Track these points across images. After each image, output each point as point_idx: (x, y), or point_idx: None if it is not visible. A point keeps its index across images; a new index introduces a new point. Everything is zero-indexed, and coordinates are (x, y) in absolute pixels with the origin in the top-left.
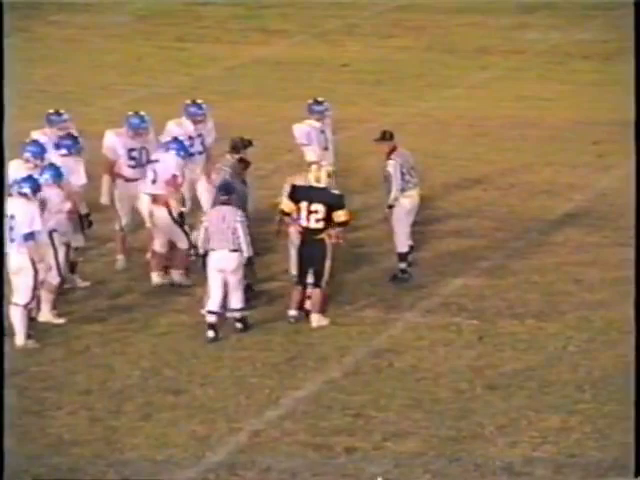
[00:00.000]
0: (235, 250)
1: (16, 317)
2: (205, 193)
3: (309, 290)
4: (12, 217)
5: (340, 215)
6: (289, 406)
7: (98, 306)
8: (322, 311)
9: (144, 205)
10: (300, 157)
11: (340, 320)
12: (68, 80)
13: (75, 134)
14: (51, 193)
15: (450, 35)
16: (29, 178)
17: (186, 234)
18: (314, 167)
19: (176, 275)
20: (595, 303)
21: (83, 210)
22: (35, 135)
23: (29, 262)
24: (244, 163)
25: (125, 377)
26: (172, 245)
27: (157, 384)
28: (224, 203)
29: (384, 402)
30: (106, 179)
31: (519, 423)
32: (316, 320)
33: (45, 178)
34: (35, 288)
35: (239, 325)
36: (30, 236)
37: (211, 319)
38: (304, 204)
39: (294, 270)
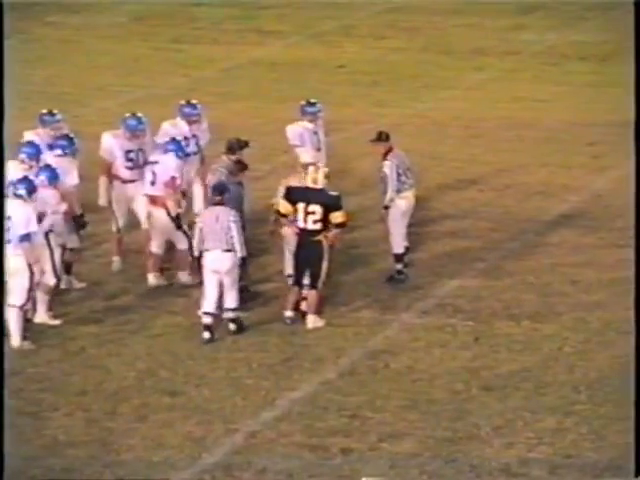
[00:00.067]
0: (229, 250)
1: (12, 318)
2: (199, 194)
3: (305, 291)
4: (8, 218)
5: (337, 216)
6: (285, 407)
7: (94, 307)
8: (318, 312)
9: (141, 206)
10: (296, 158)
11: (336, 321)
12: (65, 81)
13: (70, 135)
14: (47, 194)
15: (446, 36)
16: (25, 179)
17: (186, 234)
18: (311, 168)
19: (183, 276)
20: (591, 304)
21: (77, 211)
22: (28, 135)
23: (25, 263)
24: (242, 165)
25: (121, 378)
26: (171, 247)
27: (153, 385)
28: (217, 203)
29: (380, 403)
30: (103, 181)
31: (515, 424)
32: (312, 321)
33: (41, 179)
34: (31, 289)
35: (232, 326)
36: (26, 237)
37: (207, 320)
38: (301, 205)
39: (289, 270)
